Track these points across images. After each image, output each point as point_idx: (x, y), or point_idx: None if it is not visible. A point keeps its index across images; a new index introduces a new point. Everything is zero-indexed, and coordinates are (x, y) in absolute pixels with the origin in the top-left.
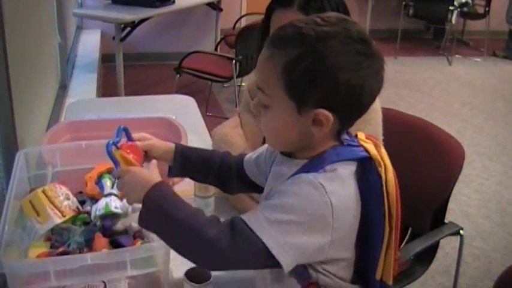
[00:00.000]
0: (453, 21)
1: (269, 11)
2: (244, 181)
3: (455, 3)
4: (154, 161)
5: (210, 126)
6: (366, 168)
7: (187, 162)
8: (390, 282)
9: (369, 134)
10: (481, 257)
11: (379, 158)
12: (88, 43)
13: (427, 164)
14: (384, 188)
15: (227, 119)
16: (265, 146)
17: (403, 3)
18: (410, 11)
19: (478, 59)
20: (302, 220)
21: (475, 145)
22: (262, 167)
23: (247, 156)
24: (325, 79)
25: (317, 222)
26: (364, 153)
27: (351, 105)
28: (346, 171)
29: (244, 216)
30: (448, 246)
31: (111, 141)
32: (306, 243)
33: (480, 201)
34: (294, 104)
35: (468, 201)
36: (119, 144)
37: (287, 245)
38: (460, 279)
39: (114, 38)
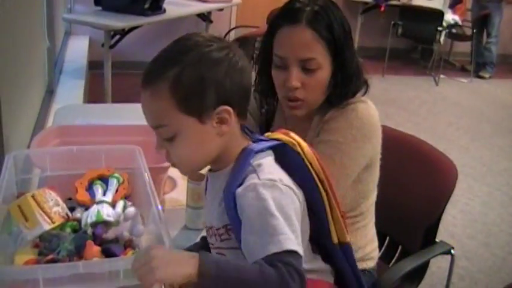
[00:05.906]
0: (441, 41)
1: (273, 28)
2: None
3: (444, 24)
4: None
5: None
6: (283, 154)
7: None
8: (347, 239)
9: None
10: (466, 277)
11: (291, 139)
12: (76, 49)
13: (419, 182)
14: (306, 161)
15: None
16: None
17: (392, 22)
18: (399, 30)
19: (464, 80)
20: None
21: (461, 166)
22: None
23: None
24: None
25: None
26: (276, 142)
27: (238, 92)
28: (269, 160)
29: (272, 251)
30: (434, 265)
31: None
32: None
33: (465, 221)
34: (194, 117)
35: (454, 221)
36: None
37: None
38: None
39: (103, 45)
